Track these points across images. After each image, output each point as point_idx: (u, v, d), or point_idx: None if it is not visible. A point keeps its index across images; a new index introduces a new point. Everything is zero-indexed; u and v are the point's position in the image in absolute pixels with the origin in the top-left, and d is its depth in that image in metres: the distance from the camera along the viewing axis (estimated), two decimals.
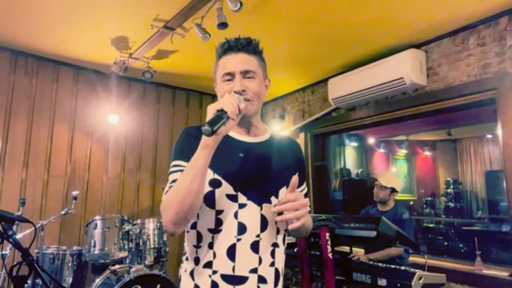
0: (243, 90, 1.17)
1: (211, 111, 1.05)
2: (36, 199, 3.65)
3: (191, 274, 1.19)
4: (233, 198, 1.16)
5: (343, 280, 2.21)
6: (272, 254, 1.19)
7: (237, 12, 2.39)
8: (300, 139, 4.45)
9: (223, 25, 2.53)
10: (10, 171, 3.55)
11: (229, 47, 1.22)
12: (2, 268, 2.78)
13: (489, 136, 7.33)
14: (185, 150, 1.16)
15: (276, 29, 3.04)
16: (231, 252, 1.14)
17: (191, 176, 1.05)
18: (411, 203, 7.70)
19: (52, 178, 3.76)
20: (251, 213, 1.16)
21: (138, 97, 4.40)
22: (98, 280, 3.10)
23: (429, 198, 7.61)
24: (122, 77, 4.06)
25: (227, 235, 1.14)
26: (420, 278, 1.87)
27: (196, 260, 1.18)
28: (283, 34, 3.15)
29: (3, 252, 2.67)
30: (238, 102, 1.08)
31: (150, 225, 3.42)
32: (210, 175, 1.15)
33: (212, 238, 1.16)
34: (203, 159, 1.06)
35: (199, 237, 1.18)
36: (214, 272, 1.14)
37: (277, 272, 1.20)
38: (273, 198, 1.19)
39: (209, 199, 1.15)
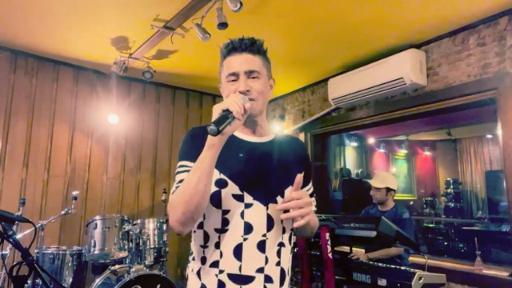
0: (248, 90, 1.18)
1: (216, 111, 1.05)
2: (36, 199, 3.65)
3: (198, 273, 1.19)
4: (239, 198, 1.16)
5: (343, 280, 2.21)
6: (278, 253, 1.19)
7: (237, 12, 2.39)
8: (300, 139, 4.44)
9: (223, 25, 2.53)
10: (10, 171, 3.55)
11: (233, 48, 1.23)
12: (2, 268, 2.78)
13: (489, 136, 7.33)
14: (191, 151, 1.17)
15: (276, 29, 3.04)
16: (238, 252, 1.14)
17: (197, 177, 1.05)
18: (411, 203, 7.69)
19: (52, 178, 3.76)
20: (257, 213, 1.16)
21: (138, 97, 4.40)
22: (98, 280, 3.10)
23: (429, 198, 7.60)
24: (122, 77, 4.06)
25: (233, 235, 1.15)
26: (420, 278, 1.88)
27: (203, 260, 1.18)
28: (283, 34, 3.15)
29: (3, 252, 2.67)
30: (243, 102, 1.08)
31: (150, 225, 3.43)
32: (217, 175, 1.15)
33: (219, 237, 1.16)
34: (209, 159, 1.06)
35: (206, 237, 1.18)
36: (221, 272, 1.14)
37: (282, 271, 1.20)
38: (279, 198, 1.19)
39: (216, 199, 1.15)
